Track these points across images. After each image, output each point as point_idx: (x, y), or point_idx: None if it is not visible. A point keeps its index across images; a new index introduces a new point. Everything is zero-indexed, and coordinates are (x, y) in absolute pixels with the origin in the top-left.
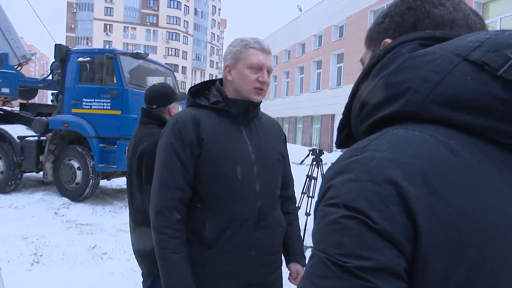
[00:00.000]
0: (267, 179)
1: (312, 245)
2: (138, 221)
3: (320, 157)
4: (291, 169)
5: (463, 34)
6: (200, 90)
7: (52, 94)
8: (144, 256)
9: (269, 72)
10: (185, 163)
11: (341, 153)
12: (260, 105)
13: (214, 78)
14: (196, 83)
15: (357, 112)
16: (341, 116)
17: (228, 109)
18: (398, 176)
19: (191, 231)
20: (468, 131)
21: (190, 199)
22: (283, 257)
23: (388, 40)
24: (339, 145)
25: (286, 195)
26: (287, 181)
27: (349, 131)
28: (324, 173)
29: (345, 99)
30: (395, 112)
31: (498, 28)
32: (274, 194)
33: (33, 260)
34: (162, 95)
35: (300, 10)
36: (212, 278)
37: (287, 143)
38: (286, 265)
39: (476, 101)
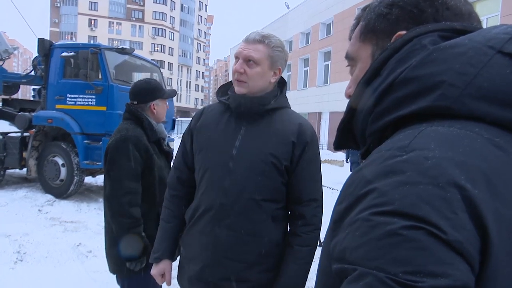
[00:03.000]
0: (240, 178)
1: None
2: (106, 219)
3: None
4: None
5: (479, 27)
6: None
7: (34, 89)
8: (108, 256)
9: (248, 60)
10: (187, 147)
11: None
12: (278, 102)
13: (201, 74)
14: (182, 79)
15: (369, 109)
16: (328, 114)
17: (230, 104)
18: (460, 177)
19: None
20: (505, 127)
21: (193, 180)
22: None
23: (403, 32)
24: (339, 146)
25: (296, 211)
26: (300, 194)
27: (349, 132)
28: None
29: (332, 97)
30: (425, 108)
31: None
32: (245, 195)
33: (16, 258)
34: (143, 92)
35: (288, 7)
36: (183, 256)
37: (308, 150)
38: None
39: None
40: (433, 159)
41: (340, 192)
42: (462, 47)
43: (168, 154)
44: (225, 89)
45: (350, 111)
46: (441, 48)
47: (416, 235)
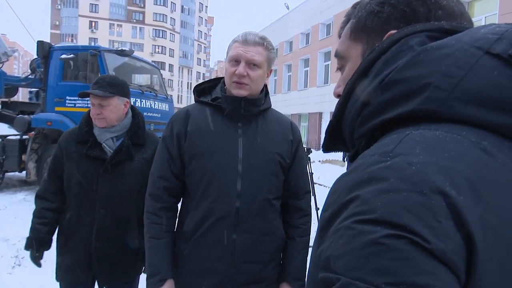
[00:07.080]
0: (253, 180)
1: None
2: None
3: (308, 155)
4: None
5: (469, 27)
6: (210, 88)
7: (31, 91)
8: None
9: (251, 64)
10: (173, 154)
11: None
12: (267, 102)
13: (201, 76)
14: (183, 81)
15: (356, 112)
16: (329, 114)
17: (222, 106)
18: (444, 184)
19: (178, 223)
20: (493, 130)
21: (180, 190)
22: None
23: (394, 31)
24: (327, 149)
25: (294, 205)
26: (296, 189)
27: (338, 134)
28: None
29: (333, 97)
30: (411, 111)
31: None
32: (260, 196)
33: (14, 263)
34: None
35: (288, 8)
36: (188, 272)
37: (300, 147)
38: (279, 283)
39: (505, 98)
40: (417, 165)
41: (326, 198)
42: (449, 48)
43: (98, 158)
44: (203, 90)
45: (339, 113)
46: (427, 49)
47: (398, 245)
